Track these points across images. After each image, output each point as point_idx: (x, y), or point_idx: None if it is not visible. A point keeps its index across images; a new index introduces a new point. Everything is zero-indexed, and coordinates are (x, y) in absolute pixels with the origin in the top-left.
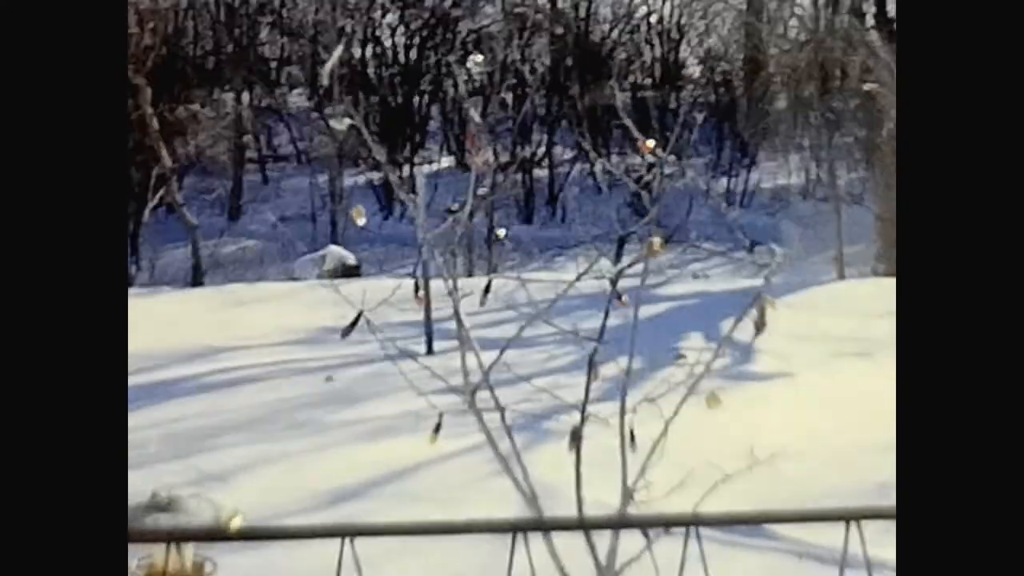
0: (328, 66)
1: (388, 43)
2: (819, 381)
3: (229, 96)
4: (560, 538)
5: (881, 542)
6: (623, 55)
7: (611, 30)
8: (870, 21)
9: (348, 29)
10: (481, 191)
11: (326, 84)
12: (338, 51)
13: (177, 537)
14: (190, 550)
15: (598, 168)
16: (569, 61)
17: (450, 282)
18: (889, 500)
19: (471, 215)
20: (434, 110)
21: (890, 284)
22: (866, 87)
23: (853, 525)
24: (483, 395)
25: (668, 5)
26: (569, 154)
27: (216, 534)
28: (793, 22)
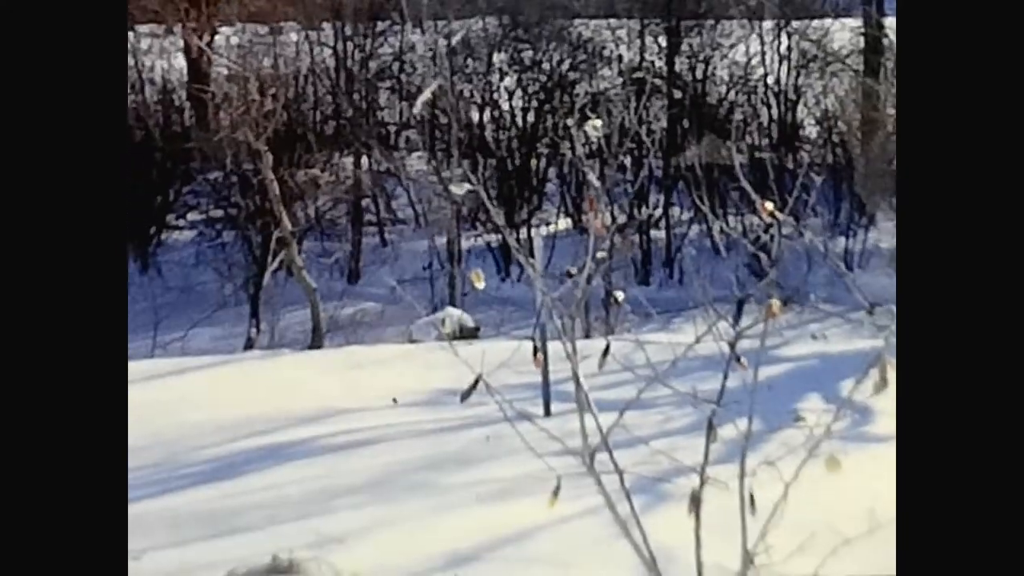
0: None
1: (506, 106)
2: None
3: (348, 160)
4: None
5: None
6: (740, 116)
7: (728, 91)
8: None
9: (466, 93)
10: (599, 255)
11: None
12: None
13: None
14: None
15: (715, 230)
16: (686, 123)
17: (568, 345)
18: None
19: (589, 279)
20: (551, 172)
21: None
22: None
23: None
24: (601, 457)
25: (785, 66)
26: (686, 215)
27: None
28: None
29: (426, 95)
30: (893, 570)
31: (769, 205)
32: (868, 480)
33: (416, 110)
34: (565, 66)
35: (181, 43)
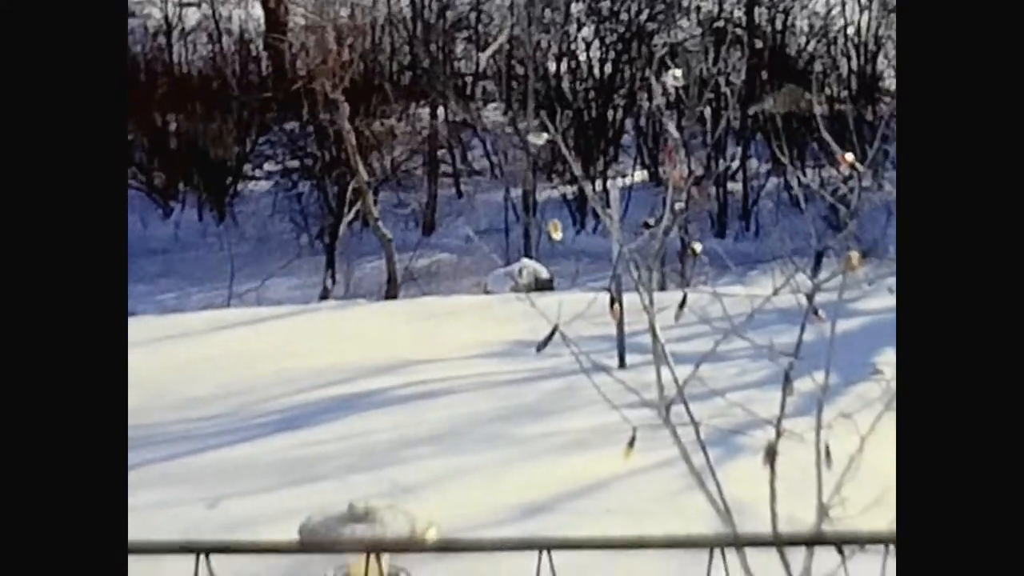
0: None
1: (583, 57)
2: None
3: (425, 111)
4: (754, 555)
5: None
6: (819, 67)
7: (808, 42)
8: None
9: (544, 44)
10: (678, 205)
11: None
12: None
13: (375, 548)
14: (386, 560)
15: (793, 182)
16: (765, 74)
17: (645, 296)
18: None
19: (667, 229)
20: (628, 124)
21: None
22: None
23: None
24: (677, 409)
25: (865, 17)
26: (764, 167)
27: (413, 545)
28: None
29: (496, 46)
30: None
31: (849, 156)
32: None
33: (483, 60)
34: (643, 16)
35: None
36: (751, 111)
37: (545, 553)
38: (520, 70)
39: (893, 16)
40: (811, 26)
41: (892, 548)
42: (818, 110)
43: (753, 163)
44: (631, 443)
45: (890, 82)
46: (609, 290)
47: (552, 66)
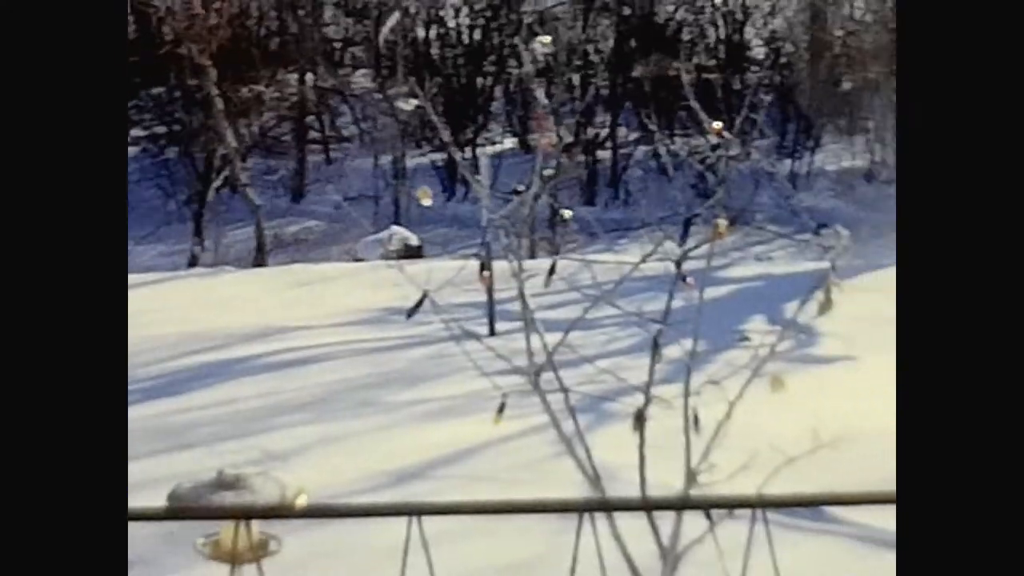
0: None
1: (452, 24)
2: (883, 364)
3: (293, 77)
4: (623, 519)
5: None
6: (688, 36)
7: (676, 11)
8: None
9: (412, 9)
10: (546, 172)
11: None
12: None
13: (245, 514)
14: (255, 527)
15: (662, 150)
16: (634, 42)
17: (515, 263)
18: None
19: (536, 196)
20: (497, 91)
21: None
22: None
23: None
24: (547, 376)
25: None
26: (633, 135)
27: (283, 512)
28: (859, 3)
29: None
30: (833, 488)
31: (718, 125)
32: (811, 400)
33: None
34: None
35: None
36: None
37: (415, 519)
38: (390, 36)
39: None
40: None
41: (759, 512)
42: (686, 78)
43: (623, 131)
44: (501, 409)
45: (757, 51)
46: (478, 257)
47: (421, 32)
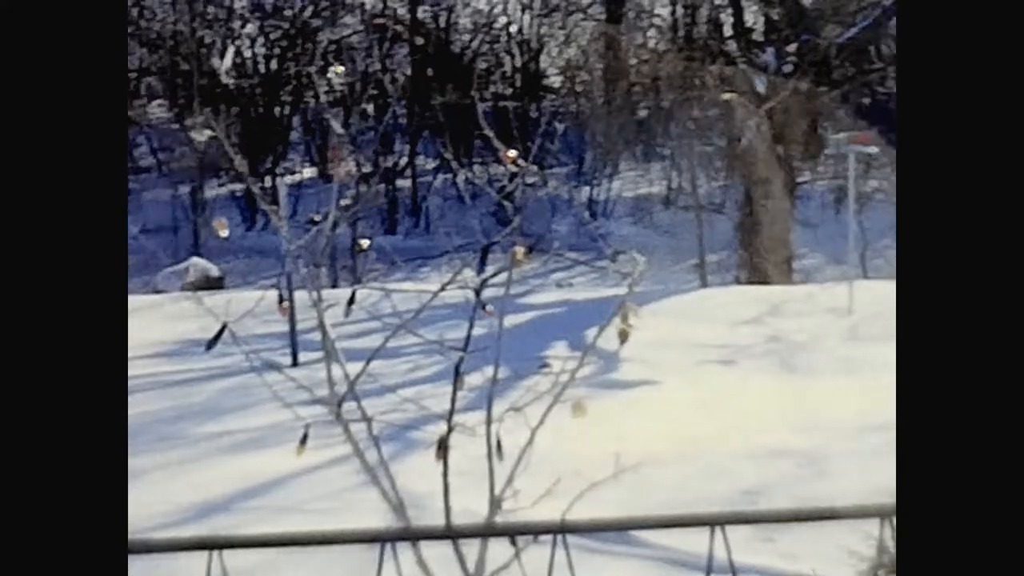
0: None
1: (248, 54)
2: (684, 388)
3: None
4: (428, 548)
5: (745, 548)
6: (484, 65)
7: (471, 40)
8: (728, 31)
9: (207, 40)
10: (344, 202)
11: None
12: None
13: None
14: None
15: (460, 178)
16: (430, 71)
17: (314, 293)
18: (753, 505)
19: (334, 226)
20: (295, 121)
21: (752, 292)
22: (724, 97)
23: (718, 531)
24: (349, 406)
25: (527, 16)
26: (432, 164)
27: None
28: (652, 32)
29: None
30: (637, 512)
31: (512, 153)
32: (613, 425)
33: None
34: (308, 12)
35: None
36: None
37: (216, 553)
38: (185, 66)
39: (555, 15)
40: (475, 24)
41: (562, 538)
42: (481, 107)
43: (422, 159)
44: (303, 440)
45: (553, 79)
46: (278, 287)
47: (216, 62)
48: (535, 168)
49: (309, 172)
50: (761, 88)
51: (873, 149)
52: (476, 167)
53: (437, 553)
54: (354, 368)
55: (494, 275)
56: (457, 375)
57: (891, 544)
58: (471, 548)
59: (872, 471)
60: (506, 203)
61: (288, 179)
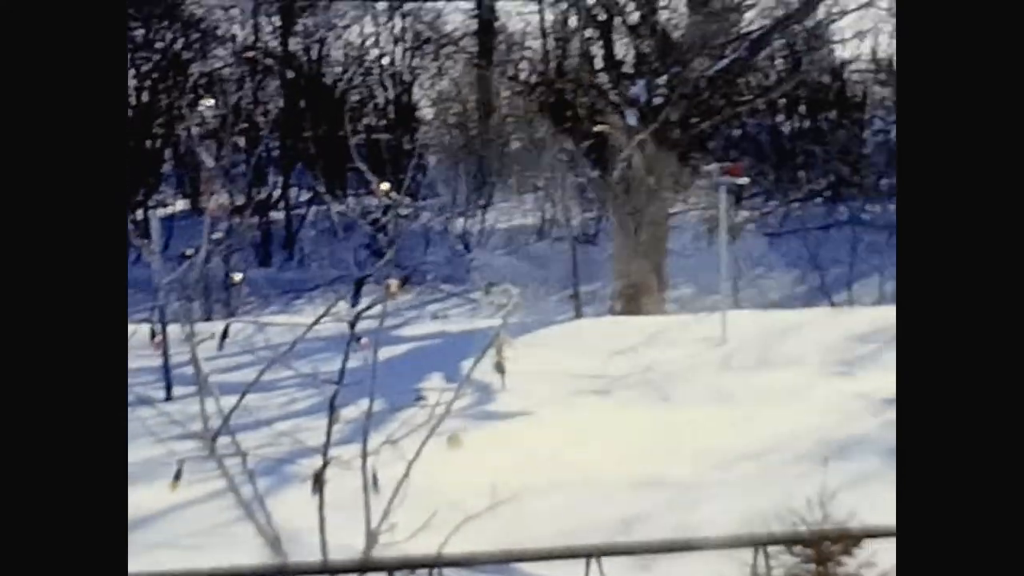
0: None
1: None
2: (559, 419)
3: None
4: None
5: None
6: (356, 97)
7: (344, 73)
8: (599, 64)
9: None
10: (216, 235)
11: None
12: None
13: None
14: None
15: (334, 211)
16: (302, 104)
17: (187, 327)
18: (629, 535)
19: (207, 259)
20: (167, 153)
21: (626, 322)
22: (596, 128)
23: (594, 561)
24: (224, 440)
25: (399, 48)
26: (305, 196)
27: None
28: (523, 65)
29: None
30: (514, 544)
31: (385, 186)
32: (489, 456)
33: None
34: (179, 45)
35: None
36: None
37: None
38: None
39: (427, 48)
40: (347, 56)
41: (438, 571)
42: (354, 139)
43: (296, 191)
44: (177, 476)
45: (426, 111)
46: (151, 321)
47: None
48: (408, 200)
49: (182, 205)
50: (632, 120)
51: (744, 180)
52: (350, 199)
53: None
54: (228, 402)
55: (368, 308)
56: (332, 408)
57: (764, 572)
58: None
59: (746, 500)
60: (380, 235)
61: (160, 212)
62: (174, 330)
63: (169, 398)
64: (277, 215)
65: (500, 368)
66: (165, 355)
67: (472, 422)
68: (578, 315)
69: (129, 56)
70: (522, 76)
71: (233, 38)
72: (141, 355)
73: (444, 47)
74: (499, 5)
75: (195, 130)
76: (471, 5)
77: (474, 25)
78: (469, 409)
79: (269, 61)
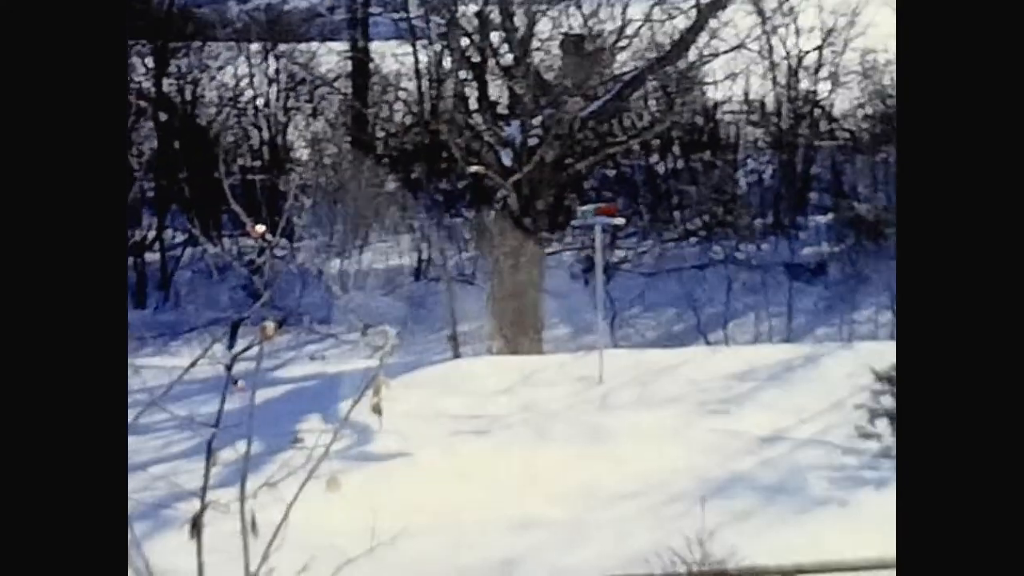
0: None
1: None
2: (438, 460)
3: None
4: None
5: None
6: (231, 138)
7: (218, 114)
8: (474, 105)
9: None
10: None
11: None
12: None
13: None
14: None
15: (209, 253)
16: (176, 145)
17: None
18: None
19: None
20: None
21: (505, 362)
22: (471, 169)
23: None
24: None
25: (274, 89)
26: (181, 237)
27: None
28: (398, 106)
29: None
30: None
31: (260, 228)
32: (368, 498)
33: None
34: None
35: None
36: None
37: None
38: None
39: (301, 89)
40: (221, 97)
41: None
42: (228, 181)
43: (170, 233)
44: None
45: (301, 152)
46: None
47: None
48: (284, 241)
49: None
50: (507, 161)
51: (620, 220)
52: (225, 240)
53: None
54: None
55: (245, 350)
56: (210, 451)
57: None
58: None
59: (625, 540)
60: (256, 277)
61: None
62: None
63: None
64: (152, 257)
65: (378, 409)
66: None
67: (351, 463)
68: (456, 355)
69: None
70: (397, 117)
71: None
72: None
73: (318, 88)
74: (373, 47)
75: None
76: (345, 46)
77: (348, 66)
78: (348, 451)
79: (142, 103)
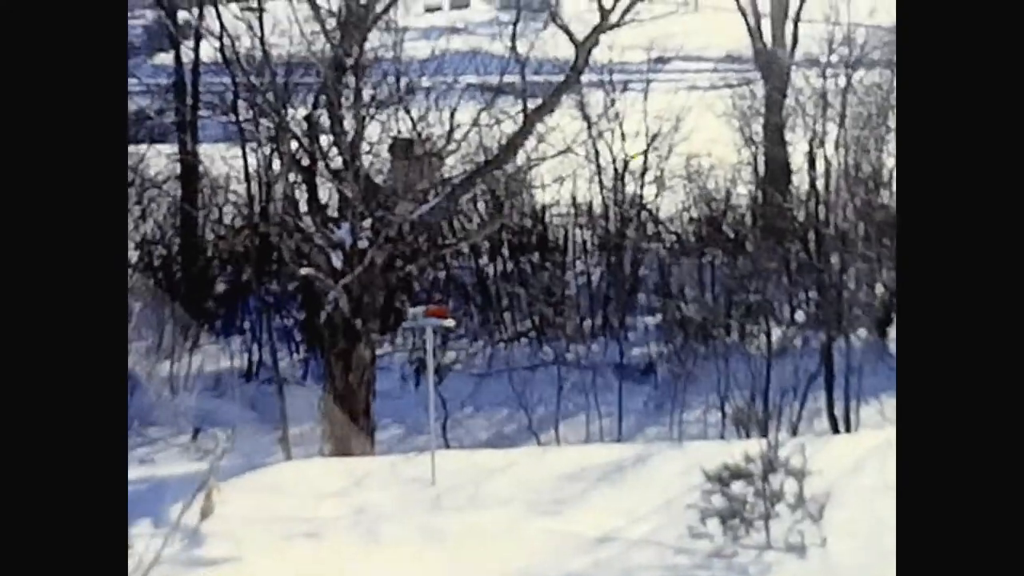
0: None
1: None
2: (268, 564)
3: None
4: None
5: None
6: None
7: None
8: (304, 207)
9: None
10: None
11: None
12: None
13: None
14: None
15: None
16: None
17: None
18: None
19: None
20: None
21: (337, 464)
22: (302, 271)
23: None
24: None
25: None
26: None
27: None
28: (228, 208)
29: None
30: None
31: None
32: None
33: None
34: None
35: None
36: None
37: None
38: None
39: (130, 190)
40: None
41: None
42: None
43: None
44: None
45: (131, 255)
46: None
47: None
48: None
49: None
50: (338, 263)
51: (450, 322)
52: None
53: None
54: None
55: None
56: None
57: None
58: None
59: None
60: None
61: None
62: None
63: None
64: None
65: (207, 513)
66: None
67: (180, 569)
68: (288, 457)
69: None
70: (227, 219)
71: None
72: None
73: (147, 190)
74: (202, 149)
75: None
76: (174, 149)
77: (178, 169)
78: (178, 555)
79: None
